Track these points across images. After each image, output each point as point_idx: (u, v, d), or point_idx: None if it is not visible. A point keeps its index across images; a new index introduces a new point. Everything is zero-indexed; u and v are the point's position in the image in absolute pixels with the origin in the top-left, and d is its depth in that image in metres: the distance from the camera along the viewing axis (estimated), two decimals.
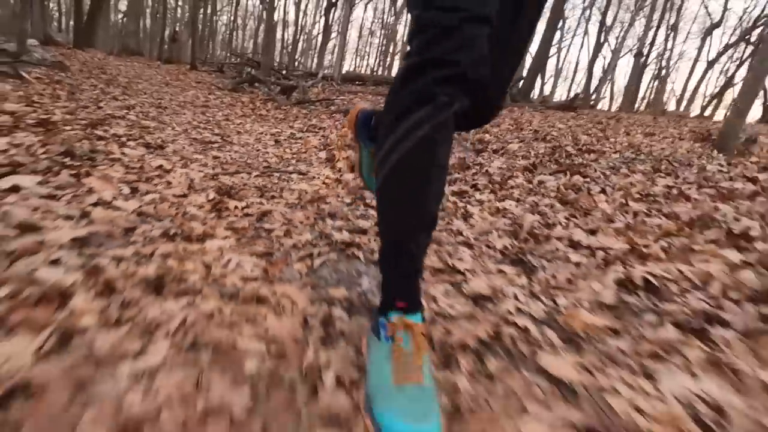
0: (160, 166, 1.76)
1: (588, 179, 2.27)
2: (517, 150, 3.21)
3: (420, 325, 0.61)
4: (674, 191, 1.96)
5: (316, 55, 21.30)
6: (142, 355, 0.60)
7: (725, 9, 17.10)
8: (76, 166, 1.46)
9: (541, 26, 10.61)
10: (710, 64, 22.21)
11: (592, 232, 1.43)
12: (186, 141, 2.57)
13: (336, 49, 14.74)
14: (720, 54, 21.55)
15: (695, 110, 22.26)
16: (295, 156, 2.70)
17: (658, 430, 0.55)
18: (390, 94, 0.64)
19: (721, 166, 2.50)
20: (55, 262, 0.80)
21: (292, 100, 5.88)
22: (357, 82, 11.77)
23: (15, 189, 1.15)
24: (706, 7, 16.92)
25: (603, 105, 21.70)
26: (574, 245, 1.31)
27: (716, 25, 16.87)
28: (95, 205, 1.17)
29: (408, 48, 0.63)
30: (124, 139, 2.14)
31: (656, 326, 0.83)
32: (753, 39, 19.02)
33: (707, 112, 18.45)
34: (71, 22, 27.90)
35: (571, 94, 13.24)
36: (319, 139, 3.35)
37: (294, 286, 0.89)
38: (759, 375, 0.66)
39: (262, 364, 0.62)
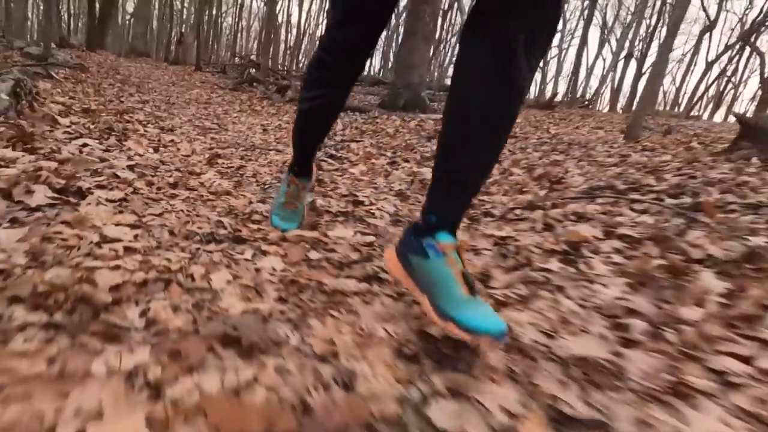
0: (172, 140, 2.52)
1: (509, 150, 2.99)
2: None
3: (304, 183, 1.23)
4: (552, 162, 2.69)
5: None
6: (173, 199, 1.34)
7: (719, 12, 17.71)
8: (117, 136, 2.22)
9: None
10: (709, 65, 22.75)
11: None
12: (190, 127, 3.33)
13: None
14: (719, 55, 22.09)
15: (694, 111, 22.77)
16: (277, 140, 3.45)
17: None
18: (311, 64, 0.98)
19: (611, 147, 3.21)
20: (123, 170, 1.55)
21: (286, 98, 6.66)
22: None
23: (85, 145, 1.90)
24: (704, 8, 17.51)
25: (602, 105, 22.31)
26: None
27: (710, 27, 17.46)
28: (133, 155, 1.92)
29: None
30: (144, 122, 2.90)
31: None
32: (754, 41, 19.59)
33: (706, 113, 18.99)
34: (80, 24, 29.09)
35: (571, 95, 13.91)
36: None
37: (249, 192, 1.63)
38: (486, 231, 1.39)
39: (227, 208, 1.36)
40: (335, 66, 0.91)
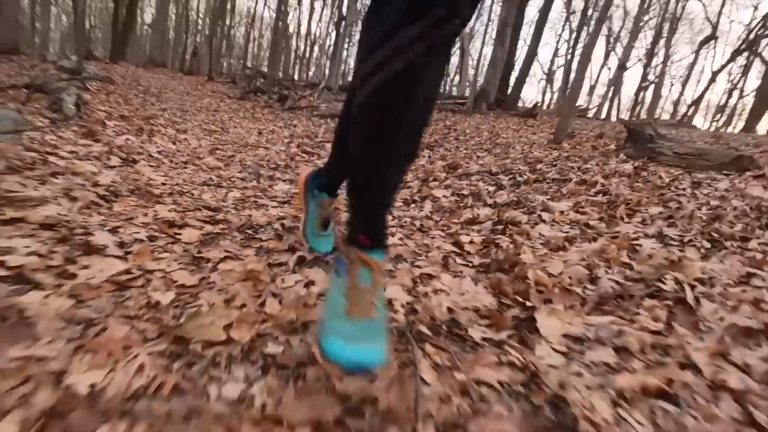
0: (185, 138, 3.52)
1: (445, 149, 3.92)
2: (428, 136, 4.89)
3: (380, 263, 0.66)
4: (466, 156, 3.61)
5: (326, 67, 23.38)
6: (185, 168, 2.32)
7: (717, 23, 18.39)
8: (147, 134, 3.22)
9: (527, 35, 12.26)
10: (714, 75, 23.30)
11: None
12: (199, 130, 4.34)
13: (328, 62, 16.69)
14: (724, 65, 22.65)
15: (696, 119, 23.29)
16: (267, 141, 4.43)
17: None
18: (373, 3, 0.56)
19: (529, 148, 4.11)
20: (154, 153, 2.53)
21: (285, 106, 7.70)
22: None
23: (128, 139, 2.90)
24: (708, 19, 18.24)
25: (601, 113, 22.98)
26: None
27: (709, 38, 18.15)
28: (159, 146, 2.91)
29: None
30: (164, 125, 3.92)
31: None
32: (760, 49, 20.16)
33: (705, 121, 19.53)
34: (99, 34, 31.02)
35: (579, 104, 14.75)
36: (290, 132, 5.11)
37: (233, 168, 2.60)
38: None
39: (217, 174, 2.33)
40: None
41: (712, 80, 21.85)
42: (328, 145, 4.48)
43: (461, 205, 2.05)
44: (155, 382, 0.61)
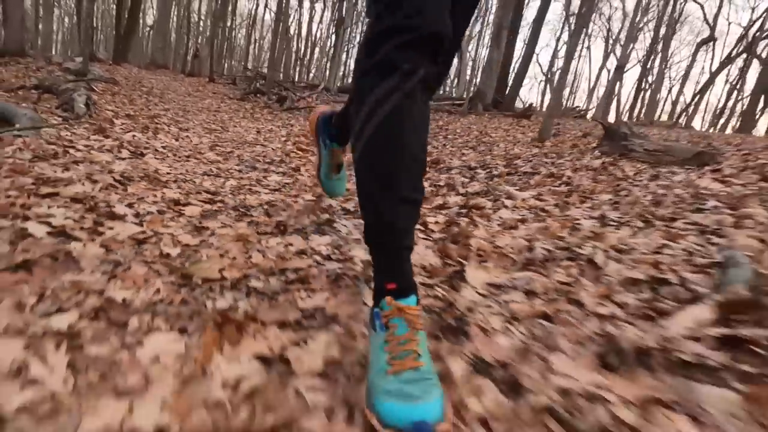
0: (187, 135, 3.78)
1: (432, 147, 4.17)
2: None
3: (413, 308, 0.62)
4: (451, 153, 3.86)
5: (327, 68, 23.69)
6: (187, 162, 2.57)
7: (714, 25, 18.62)
8: (152, 131, 3.48)
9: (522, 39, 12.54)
10: (713, 76, 23.53)
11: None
12: (201, 128, 4.60)
13: (330, 64, 17.03)
14: (722, 66, 22.88)
15: (696, 121, 23.51)
16: (266, 139, 4.68)
17: None
18: (356, 65, 0.66)
19: (513, 146, 4.35)
20: (159, 148, 2.79)
21: (283, 107, 7.97)
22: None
23: (135, 135, 3.15)
24: (707, 21, 18.49)
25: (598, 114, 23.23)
26: None
27: (707, 40, 18.39)
28: (164, 142, 3.17)
29: (367, 19, 0.65)
30: (168, 124, 4.18)
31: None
32: (759, 51, 20.41)
33: (703, 122, 19.75)
34: (101, 36, 31.42)
35: (574, 104, 15.02)
36: (287, 131, 5.37)
37: (230, 162, 2.86)
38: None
39: (216, 167, 2.58)
40: (411, 24, 0.60)
41: (710, 82, 22.11)
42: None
43: (436, 193, 2.30)
44: (168, 298, 0.86)
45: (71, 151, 2.00)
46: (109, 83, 7.34)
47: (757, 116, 14.72)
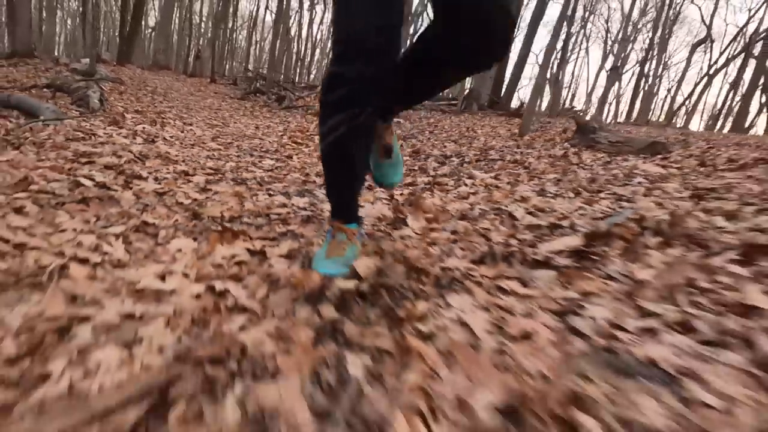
0: (191, 129, 4.16)
1: (417, 140, 4.55)
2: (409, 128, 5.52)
3: (353, 229, 1.03)
4: (432, 144, 4.23)
5: (324, 69, 24.12)
6: (192, 149, 2.96)
7: (710, 26, 18.99)
8: (160, 124, 3.86)
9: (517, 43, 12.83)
10: (710, 78, 23.89)
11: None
12: (203, 123, 4.99)
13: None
14: (720, 67, 23.24)
15: (695, 122, 23.80)
16: (263, 134, 5.06)
17: None
18: (321, 91, 0.91)
19: (493, 140, 4.72)
20: (167, 137, 3.17)
21: (282, 106, 8.36)
22: None
23: (145, 128, 3.54)
24: (704, 23, 18.84)
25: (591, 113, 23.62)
26: None
27: (703, 41, 18.76)
28: (171, 133, 3.55)
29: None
30: (173, 119, 4.57)
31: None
32: (755, 52, 20.76)
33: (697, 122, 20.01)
34: (103, 38, 31.97)
35: (572, 105, 15.40)
36: (284, 127, 5.75)
37: (231, 151, 3.24)
38: None
39: (218, 153, 2.96)
40: (355, 75, 0.80)
41: (708, 84, 22.46)
42: (317, 138, 5.12)
43: (407, 175, 2.67)
44: (184, 223, 1.23)
45: (94, 136, 2.38)
46: (116, 83, 7.75)
47: (753, 116, 15.02)
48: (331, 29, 0.88)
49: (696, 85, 17.14)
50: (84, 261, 0.88)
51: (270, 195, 1.72)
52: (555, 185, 2.33)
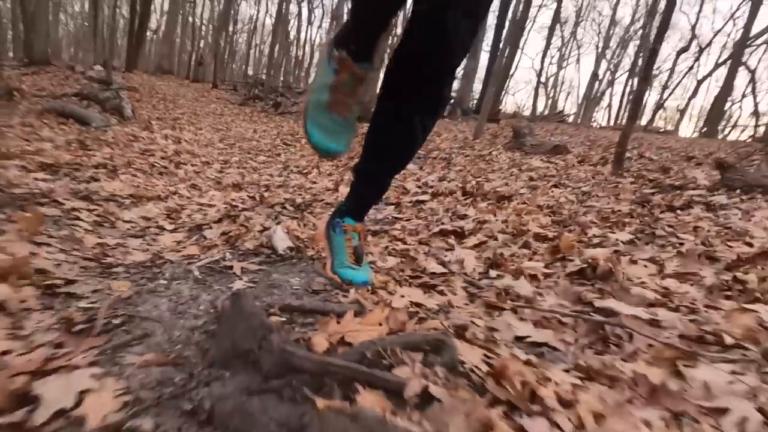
0: (202, 132, 5.35)
1: None
2: None
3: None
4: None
5: None
6: (207, 148, 4.14)
7: (693, 34, 20.18)
8: (179, 129, 5.05)
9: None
10: (699, 83, 25.08)
11: None
12: (211, 128, 6.18)
13: None
14: (707, 75, 24.43)
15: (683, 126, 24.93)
16: (260, 137, 6.24)
17: None
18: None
19: (452, 142, 5.88)
20: (187, 139, 4.35)
21: (278, 111, 9.57)
22: None
23: (169, 133, 4.72)
24: (693, 29, 20.02)
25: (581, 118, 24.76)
26: None
27: (686, 48, 19.95)
28: (189, 136, 4.73)
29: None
30: (187, 124, 5.77)
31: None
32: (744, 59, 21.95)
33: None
34: (105, 44, 33.34)
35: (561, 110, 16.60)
36: (278, 131, 6.95)
37: (235, 149, 4.41)
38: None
39: (225, 150, 4.14)
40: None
41: (696, 89, 23.66)
42: (303, 140, 6.29)
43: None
44: (213, 185, 2.41)
45: (142, 138, 3.56)
46: (131, 90, 8.96)
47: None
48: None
49: (664, 88, 18.29)
50: (175, 193, 2.06)
51: (260, 175, 2.89)
52: (456, 173, 3.49)
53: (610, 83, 26.72)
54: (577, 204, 2.20)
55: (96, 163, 2.26)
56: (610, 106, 29.05)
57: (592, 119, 24.57)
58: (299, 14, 26.85)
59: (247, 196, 2.20)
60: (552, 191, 2.67)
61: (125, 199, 1.78)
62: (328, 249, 1.01)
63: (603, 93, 27.10)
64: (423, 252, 1.43)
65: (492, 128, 8.09)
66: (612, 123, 20.99)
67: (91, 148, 2.66)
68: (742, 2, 18.30)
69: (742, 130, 20.51)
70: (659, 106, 19.34)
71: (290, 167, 3.40)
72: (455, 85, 13.59)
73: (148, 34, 33.32)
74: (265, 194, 2.22)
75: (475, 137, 6.27)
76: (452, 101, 13.19)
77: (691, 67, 20.25)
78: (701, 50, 18.97)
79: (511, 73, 18.70)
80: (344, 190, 2.70)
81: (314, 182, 2.82)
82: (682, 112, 26.46)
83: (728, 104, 25.30)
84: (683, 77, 21.13)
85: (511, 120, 12.21)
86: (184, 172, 2.60)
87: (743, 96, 21.29)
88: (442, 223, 1.79)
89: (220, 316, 0.88)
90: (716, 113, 15.50)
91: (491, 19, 13.49)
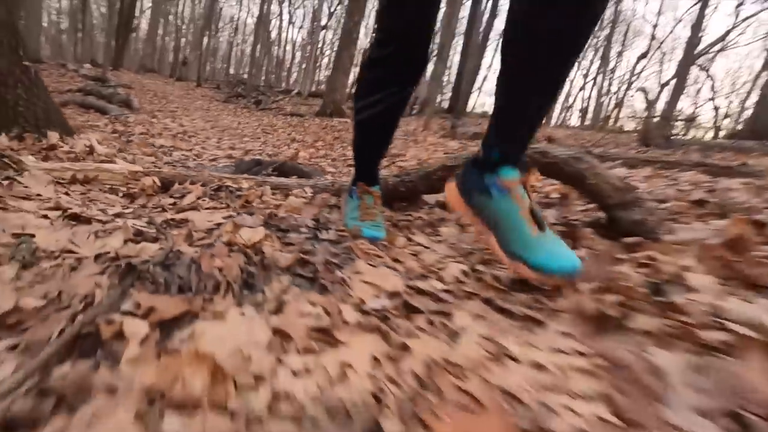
0: (195, 121, 6.57)
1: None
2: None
3: (377, 192, 1.18)
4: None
5: (303, 73, 26.56)
6: (198, 136, 5.40)
7: (652, 39, 22.04)
8: (176, 120, 6.26)
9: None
10: (663, 86, 27.06)
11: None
12: (202, 121, 7.38)
13: (305, 69, 19.93)
14: (669, 80, 26.39)
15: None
16: (243, 128, 7.46)
17: None
18: (361, 71, 1.11)
19: (424, 138, 7.21)
20: (181, 125, 5.59)
21: (259, 107, 10.79)
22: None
23: (169, 122, 5.94)
24: (654, 36, 21.84)
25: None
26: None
27: (644, 55, 21.81)
28: (183, 123, 5.96)
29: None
30: (180, 116, 6.98)
31: None
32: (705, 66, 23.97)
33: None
34: (89, 41, 33.91)
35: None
36: (258, 123, 8.20)
37: (224, 135, 5.67)
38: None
39: (215, 134, 5.40)
40: (394, 57, 0.96)
41: (660, 92, 25.59)
42: (281, 130, 7.52)
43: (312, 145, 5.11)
44: (215, 152, 3.69)
45: (155, 124, 4.80)
46: (125, 87, 10.08)
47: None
48: (376, 17, 1.11)
49: (618, 89, 20.06)
50: (196, 146, 3.34)
51: (246, 152, 4.17)
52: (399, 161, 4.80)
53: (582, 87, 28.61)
54: None
55: (139, 132, 3.53)
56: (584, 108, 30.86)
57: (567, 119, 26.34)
58: (280, 14, 28.03)
59: (240, 153, 3.48)
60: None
61: (169, 149, 3.07)
62: (482, 224, 0.80)
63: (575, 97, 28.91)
64: None
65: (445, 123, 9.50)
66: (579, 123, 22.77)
67: (129, 126, 3.91)
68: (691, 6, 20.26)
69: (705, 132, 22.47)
70: (617, 105, 21.14)
71: (268, 144, 4.67)
72: (425, 87, 14.93)
73: (132, 35, 34.12)
74: (249, 151, 3.50)
75: (425, 128, 7.63)
76: (421, 101, 14.57)
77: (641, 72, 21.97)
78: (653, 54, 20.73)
79: (485, 75, 20.24)
80: (303, 154, 4.00)
81: (282, 150, 4.11)
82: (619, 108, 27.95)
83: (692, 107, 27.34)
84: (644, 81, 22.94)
85: (474, 118, 13.62)
86: (194, 143, 3.86)
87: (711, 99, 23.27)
88: None
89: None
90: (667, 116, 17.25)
91: (461, 26, 14.93)
